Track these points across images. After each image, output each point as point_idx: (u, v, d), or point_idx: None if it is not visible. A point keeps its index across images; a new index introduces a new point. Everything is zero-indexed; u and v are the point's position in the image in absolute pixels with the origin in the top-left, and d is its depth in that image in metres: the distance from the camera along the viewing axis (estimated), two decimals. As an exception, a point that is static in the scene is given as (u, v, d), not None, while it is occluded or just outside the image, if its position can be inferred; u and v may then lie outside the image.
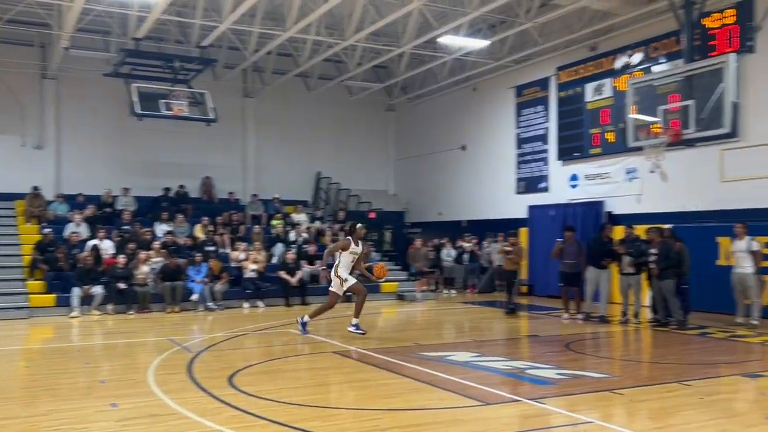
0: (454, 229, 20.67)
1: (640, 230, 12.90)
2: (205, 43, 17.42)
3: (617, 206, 16.11)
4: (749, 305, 11.64)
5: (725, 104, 9.03)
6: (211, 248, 16.40)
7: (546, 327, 12.31)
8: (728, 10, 9.38)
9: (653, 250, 11.73)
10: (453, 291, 18.91)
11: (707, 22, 10.48)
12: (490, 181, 20.41)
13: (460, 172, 21.68)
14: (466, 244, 19.34)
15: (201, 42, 17.54)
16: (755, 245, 11.64)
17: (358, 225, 10.83)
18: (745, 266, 11.60)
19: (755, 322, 11.38)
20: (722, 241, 13.10)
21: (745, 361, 8.68)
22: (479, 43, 17.38)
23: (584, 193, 17.07)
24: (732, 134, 13.36)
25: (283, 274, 15.75)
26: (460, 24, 15.90)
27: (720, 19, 10.69)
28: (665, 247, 11.64)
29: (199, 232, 17.30)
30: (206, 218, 17.72)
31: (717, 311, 12.51)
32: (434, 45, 18.08)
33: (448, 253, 19.31)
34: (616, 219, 15.68)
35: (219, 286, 15.07)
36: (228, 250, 16.83)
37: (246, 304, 15.23)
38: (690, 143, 11.33)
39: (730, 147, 13.59)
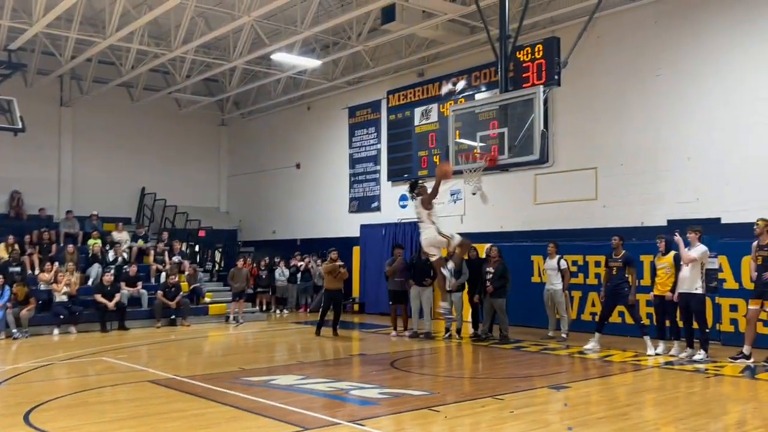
0: (288, 248, 20.46)
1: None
2: (13, 47, 15.97)
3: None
4: (559, 320, 12.52)
5: (535, 133, 9.65)
6: (16, 270, 14.92)
7: (374, 345, 12.45)
8: (537, 45, 10.15)
9: (490, 269, 12.27)
10: (286, 311, 18.67)
11: (520, 56, 11.20)
12: (324, 199, 20.47)
13: (295, 191, 21.56)
14: (299, 263, 19.19)
15: (9, 45, 16.07)
16: (564, 263, 12.57)
17: (420, 182, 9.96)
18: (556, 283, 12.49)
19: (565, 336, 12.24)
20: (536, 259, 14.02)
21: (554, 374, 9.24)
22: (312, 63, 17.44)
23: (413, 213, 17.53)
24: (544, 160, 14.39)
25: (99, 298, 14.68)
26: (294, 42, 15.87)
27: (530, 53, 11.52)
28: (501, 267, 12.26)
29: (2, 251, 15.70)
30: (12, 237, 16.13)
31: (532, 325, 13.31)
32: (267, 61, 17.90)
33: (282, 273, 19.05)
34: (442, 238, 16.28)
35: (25, 312, 13.71)
36: (37, 272, 15.42)
37: (56, 331, 13.99)
38: (505, 168, 12.06)
39: (542, 172, 14.63)
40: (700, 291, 9.87)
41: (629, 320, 11.41)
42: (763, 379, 8.67)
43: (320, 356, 11.24)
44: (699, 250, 9.88)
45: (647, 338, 10.65)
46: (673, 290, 10.27)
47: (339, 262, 13.42)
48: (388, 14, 14.24)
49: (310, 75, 18.92)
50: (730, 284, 11.12)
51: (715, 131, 12.15)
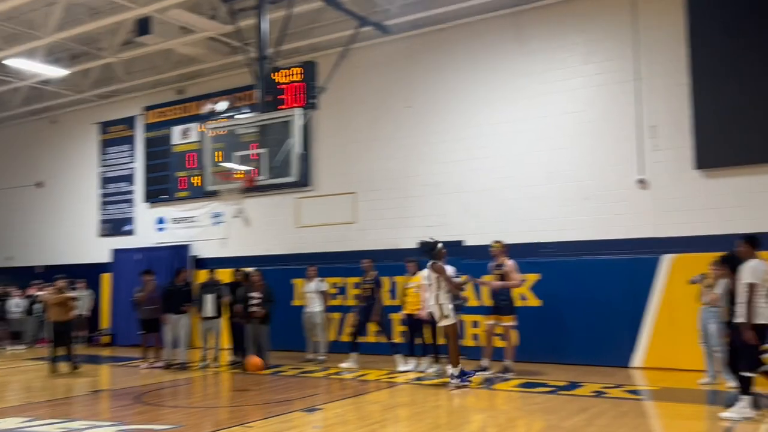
0: (25, 276, 18.28)
1: (225, 274, 13.11)
2: None
3: (203, 250, 16.14)
4: (317, 342, 12.57)
5: (293, 155, 9.67)
6: None
7: (121, 379, 11.48)
8: (296, 69, 10.35)
9: (256, 294, 11.90)
10: (21, 346, 16.61)
11: (278, 77, 11.37)
12: (70, 222, 18.69)
13: (36, 212, 19.43)
14: (38, 293, 17.22)
15: None
16: (324, 286, 12.70)
17: (440, 244, 9.63)
18: (315, 305, 12.56)
19: (322, 358, 12.32)
20: (297, 282, 14.02)
21: (309, 396, 9.18)
22: (57, 72, 15.92)
23: (171, 236, 16.73)
24: (303, 183, 14.59)
25: None
26: (34, 48, 14.38)
27: (288, 75, 11.74)
28: (267, 290, 11.95)
29: None
30: None
31: (292, 349, 13.21)
32: (4, 68, 16.00)
33: (17, 304, 16.95)
34: (202, 263, 15.68)
35: None
36: None
37: None
38: (265, 190, 12.00)
39: (304, 196, 14.76)
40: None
41: (384, 339, 11.81)
42: (500, 389, 9.39)
43: (54, 395, 10.04)
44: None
45: (398, 356, 11.09)
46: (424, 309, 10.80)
47: (70, 293, 12.27)
48: (143, 27, 13.49)
49: (56, 86, 17.26)
50: (472, 302, 11.97)
51: (455, 162, 13.13)
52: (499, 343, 10.62)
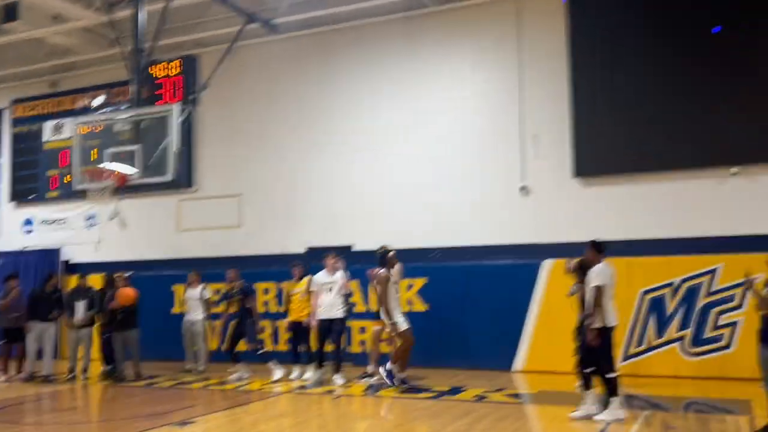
0: None
1: (96, 279, 12.27)
2: None
3: (76, 254, 15.12)
4: (197, 351, 12.00)
5: (170, 153, 9.16)
6: None
7: (-25, 395, 10.46)
8: (174, 62, 9.83)
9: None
10: None
11: (155, 71, 10.79)
12: None
13: None
14: None
15: None
16: (207, 293, 12.13)
17: (391, 252, 9.54)
18: (196, 313, 11.98)
19: (202, 368, 11.75)
20: (177, 288, 13.37)
21: (183, 409, 8.69)
22: None
23: (41, 239, 15.57)
24: (187, 184, 13.98)
25: None
26: None
27: (166, 69, 11.16)
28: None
29: None
30: None
31: (171, 359, 12.54)
32: None
33: None
34: (74, 268, 14.68)
35: None
36: None
37: None
38: (142, 190, 11.35)
39: (187, 198, 14.13)
40: (340, 315, 10.21)
41: (284, 347, 11.43)
42: (384, 395, 9.25)
43: None
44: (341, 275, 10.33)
45: (272, 363, 10.66)
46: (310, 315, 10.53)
47: None
48: (10, 12, 12.47)
49: None
50: (360, 307, 11.82)
51: (346, 165, 12.97)
52: (385, 348, 10.50)
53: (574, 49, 11.34)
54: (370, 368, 10.31)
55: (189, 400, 9.35)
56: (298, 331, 10.66)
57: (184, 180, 13.63)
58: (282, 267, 12.27)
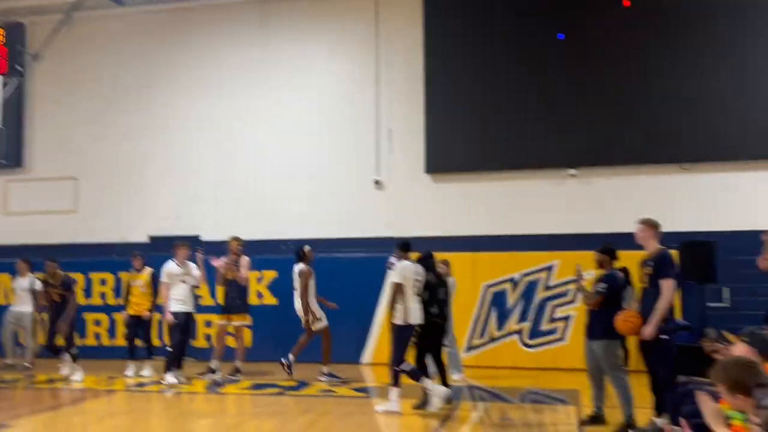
0: None
1: None
2: None
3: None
4: (24, 346, 10.99)
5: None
6: None
7: None
8: (-5, 29, 8.92)
9: None
10: None
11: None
12: None
13: None
14: None
15: None
16: (37, 283, 11.09)
17: (307, 247, 9.42)
18: (25, 305, 10.95)
19: (28, 364, 10.78)
20: (3, 278, 12.19)
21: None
22: None
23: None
24: (16, 164, 12.80)
25: None
26: None
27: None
28: None
29: None
30: None
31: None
32: None
33: None
34: None
35: None
36: None
37: None
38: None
39: (15, 179, 12.95)
40: (192, 309, 9.68)
41: (121, 341, 10.63)
42: (228, 392, 8.93)
43: None
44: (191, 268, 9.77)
45: (67, 357, 9.93)
46: (152, 309, 9.95)
47: None
48: None
49: None
50: (207, 301, 11.35)
51: (193, 150, 12.44)
52: (231, 342, 10.15)
53: (429, 48, 11.54)
54: (213, 364, 9.92)
55: (7, 401, 8.50)
56: (137, 325, 10.01)
57: (11, 160, 12.48)
58: (122, 257, 11.53)
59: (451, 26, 11.52)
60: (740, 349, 4.41)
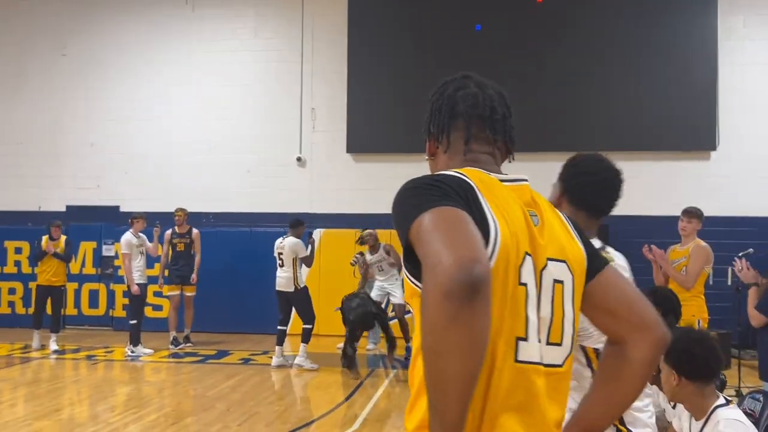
0: None
1: None
2: None
3: None
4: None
5: None
6: None
7: None
8: None
9: None
10: None
11: None
12: None
13: None
14: None
15: None
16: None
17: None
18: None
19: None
20: None
21: None
22: None
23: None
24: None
25: None
26: None
27: None
28: None
29: None
30: None
31: None
32: None
33: None
34: None
35: None
36: None
37: None
38: None
39: None
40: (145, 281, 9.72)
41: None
42: (148, 360, 9.15)
43: None
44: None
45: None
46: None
47: None
48: None
49: None
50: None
51: (114, 121, 12.33)
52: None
53: (352, 29, 11.83)
54: (174, 333, 10.17)
55: None
56: (50, 295, 9.77)
57: None
58: (37, 225, 11.44)
59: (375, 8, 11.85)
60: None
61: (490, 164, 1.64)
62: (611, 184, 2.53)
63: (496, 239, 1.40)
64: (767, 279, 4.38)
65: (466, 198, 1.42)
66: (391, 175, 11.76)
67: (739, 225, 10.48)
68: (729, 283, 9.34)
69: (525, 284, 1.44)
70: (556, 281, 1.51)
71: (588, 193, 2.50)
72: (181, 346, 9.96)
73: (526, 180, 1.62)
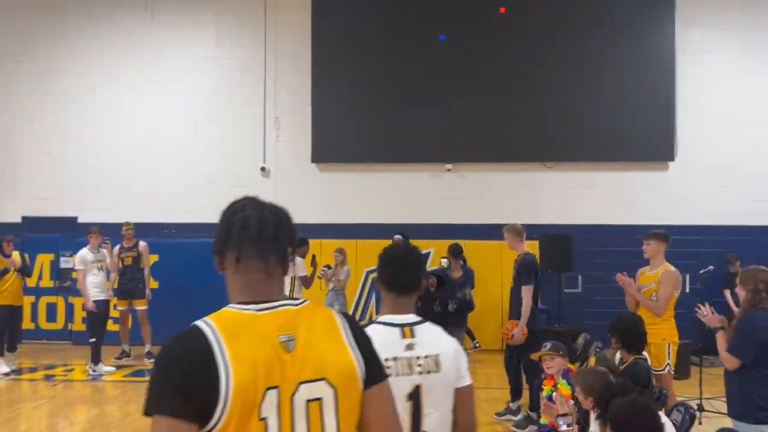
0: None
1: None
2: None
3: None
4: None
5: None
6: None
7: None
8: None
9: None
10: None
11: None
12: None
13: None
14: None
15: None
16: None
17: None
18: None
19: None
20: None
21: None
22: None
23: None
24: None
25: None
26: None
27: None
28: None
29: None
30: None
31: None
32: None
33: None
34: None
35: None
36: None
37: None
38: None
39: None
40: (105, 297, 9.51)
41: None
42: (108, 380, 8.94)
43: None
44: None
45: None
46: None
47: None
48: None
49: None
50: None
51: (71, 130, 12.05)
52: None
53: (316, 39, 11.77)
54: (126, 347, 9.99)
55: None
56: (12, 315, 9.29)
57: None
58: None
59: (339, 18, 11.81)
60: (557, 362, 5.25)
61: (261, 284, 1.78)
62: (393, 261, 2.76)
63: (227, 394, 1.58)
64: (734, 319, 4.47)
65: (191, 378, 1.59)
66: (355, 184, 11.77)
67: (697, 234, 10.72)
68: (687, 290, 9.54)
69: (265, 418, 1.61)
70: (309, 401, 1.67)
71: (381, 274, 2.76)
72: (124, 359, 9.87)
73: (294, 301, 1.78)
